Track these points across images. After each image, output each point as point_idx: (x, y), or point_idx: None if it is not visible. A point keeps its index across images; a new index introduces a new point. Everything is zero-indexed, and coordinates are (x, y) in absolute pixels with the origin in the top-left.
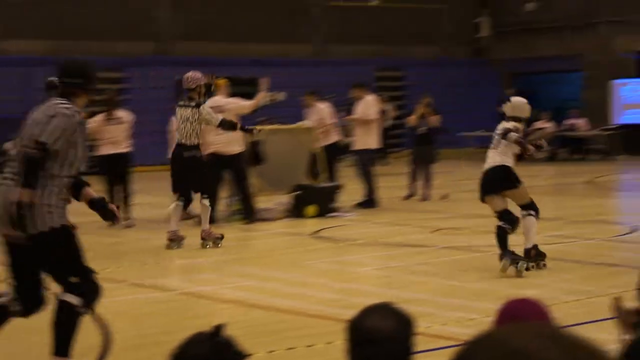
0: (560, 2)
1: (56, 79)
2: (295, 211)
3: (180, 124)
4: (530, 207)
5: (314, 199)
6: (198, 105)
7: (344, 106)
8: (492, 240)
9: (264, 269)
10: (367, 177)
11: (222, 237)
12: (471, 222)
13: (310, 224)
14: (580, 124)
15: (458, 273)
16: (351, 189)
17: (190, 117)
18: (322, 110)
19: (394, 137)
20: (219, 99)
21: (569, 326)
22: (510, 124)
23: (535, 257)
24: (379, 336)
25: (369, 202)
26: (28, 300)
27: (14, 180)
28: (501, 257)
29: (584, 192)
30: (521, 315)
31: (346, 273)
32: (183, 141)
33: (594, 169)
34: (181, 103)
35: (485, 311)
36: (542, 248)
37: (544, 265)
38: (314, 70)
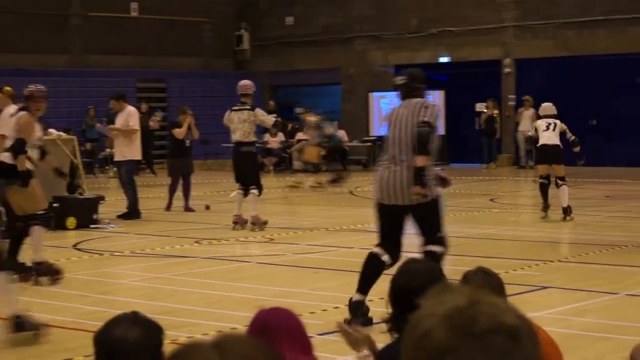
0: (318, 16)
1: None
2: (55, 223)
3: (237, 125)
4: None
5: (73, 211)
6: (253, 108)
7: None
8: (252, 249)
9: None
10: (130, 188)
11: (267, 222)
12: (232, 232)
13: (71, 236)
14: (340, 136)
15: (220, 283)
16: (114, 201)
17: (247, 119)
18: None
19: (159, 148)
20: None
21: (329, 333)
22: None
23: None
24: (125, 347)
25: (131, 214)
26: (396, 251)
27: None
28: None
29: (344, 202)
30: (270, 324)
31: (107, 285)
32: (241, 139)
33: (355, 180)
34: (236, 107)
35: (243, 320)
36: (302, 257)
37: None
38: (75, 80)
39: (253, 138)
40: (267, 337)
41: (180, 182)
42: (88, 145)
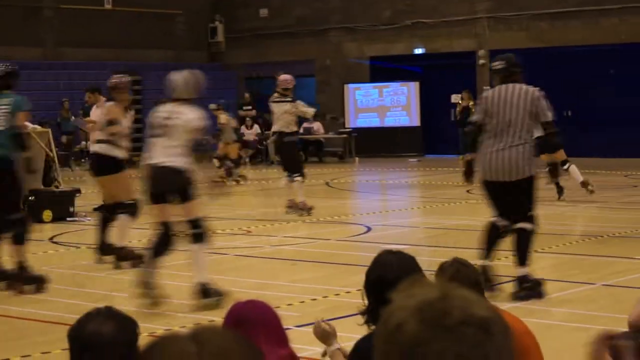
0: (293, 8)
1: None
2: (31, 216)
3: (279, 116)
4: None
5: (49, 204)
6: (294, 100)
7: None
8: (230, 241)
9: None
10: None
11: (312, 208)
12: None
13: (47, 229)
14: (316, 127)
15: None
16: (90, 194)
17: (289, 110)
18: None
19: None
20: None
21: (307, 325)
22: None
23: None
24: (100, 341)
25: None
26: (509, 217)
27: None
28: None
29: (321, 193)
30: (246, 316)
31: (85, 278)
32: (283, 129)
33: (331, 171)
34: (276, 99)
35: (223, 313)
36: (279, 249)
37: None
38: (49, 73)
39: (295, 128)
40: (242, 330)
41: None
42: (63, 139)
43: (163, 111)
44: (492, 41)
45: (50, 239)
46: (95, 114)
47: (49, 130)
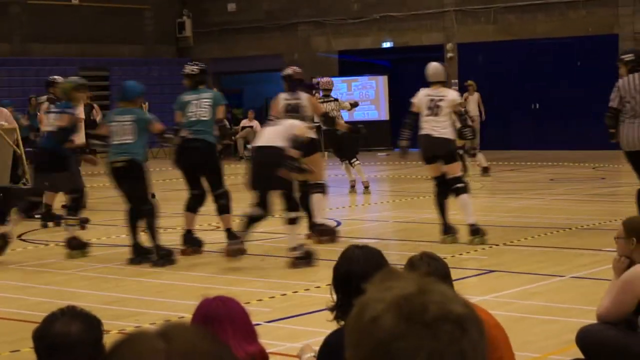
0: (261, 2)
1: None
2: None
3: (335, 114)
4: None
5: (16, 201)
6: (336, 99)
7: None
8: (201, 237)
9: None
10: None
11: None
12: (178, 220)
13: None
14: None
15: (166, 271)
16: None
17: (335, 108)
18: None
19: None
20: None
21: (277, 320)
22: None
23: None
24: (65, 341)
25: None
26: None
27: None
28: None
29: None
30: (214, 313)
31: (53, 275)
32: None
33: None
34: (323, 100)
35: (192, 309)
36: (249, 245)
37: None
38: (16, 69)
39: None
40: (211, 326)
41: None
42: (31, 135)
43: (429, 95)
44: (460, 35)
45: (18, 236)
46: None
47: (17, 127)
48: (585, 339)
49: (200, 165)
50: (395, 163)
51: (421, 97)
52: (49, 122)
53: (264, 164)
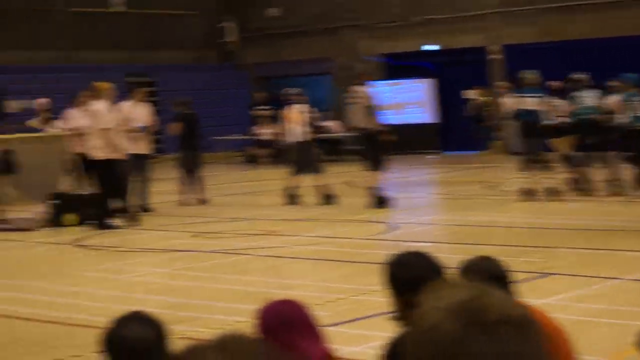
0: (304, 7)
1: None
2: (54, 220)
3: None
4: None
5: (73, 207)
6: None
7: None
8: (253, 242)
9: (25, 279)
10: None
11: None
12: (234, 225)
13: (70, 233)
14: (333, 126)
15: (222, 276)
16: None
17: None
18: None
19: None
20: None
21: (335, 325)
22: None
23: None
24: (132, 346)
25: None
26: None
27: None
28: None
29: (341, 192)
30: (283, 316)
31: (110, 280)
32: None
33: (349, 170)
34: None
35: (247, 313)
36: (302, 249)
37: None
38: (62, 76)
39: None
40: (281, 329)
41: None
42: None
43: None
44: (504, 36)
45: (75, 242)
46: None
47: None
48: None
49: None
50: (444, 166)
51: None
52: None
53: None
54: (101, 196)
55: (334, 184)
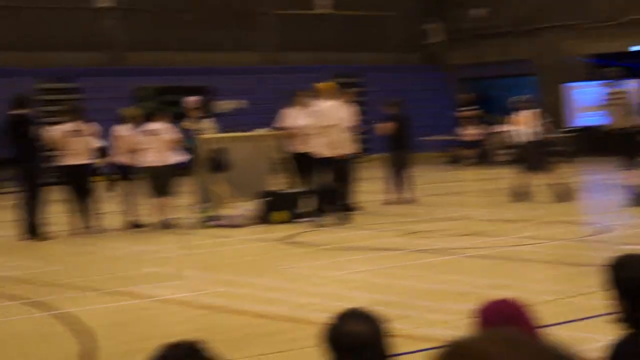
0: (508, 8)
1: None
2: (263, 217)
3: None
4: None
5: (282, 205)
6: None
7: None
8: (465, 242)
9: (238, 275)
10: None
11: None
12: (442, 225)
13: (280, 230)
14: (547, 129)
15: (432, 275)
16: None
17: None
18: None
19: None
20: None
21: (549, 325)
22: None
23: None
24: (359, 342)
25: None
26: None
27: None
28: None
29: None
30: (506, 314)
31: (321, 277)
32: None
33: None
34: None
35: (460, 312)
36: (510, 250)
37: None
38: (268, 77)
39: None
40: (513, 327)
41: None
42: None
43: None
44: None
45: (285, 239)
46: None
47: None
48: None
49: None
50: None
51: None
52: None
53: None
54: (327, 193)
55: (564, 182)
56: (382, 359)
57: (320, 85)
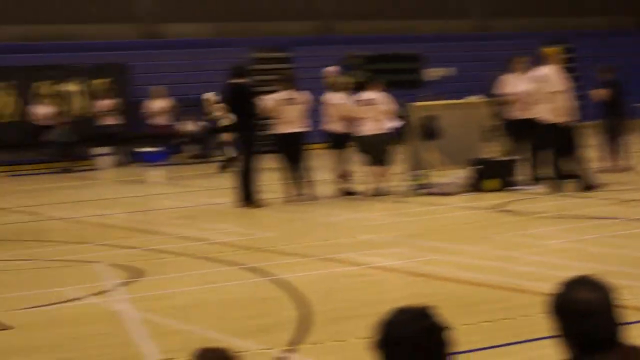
0: None
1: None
2: (475, 185)
3: None
4: None
5: (494, 173)
6: None
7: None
8: None
9: (450, 242)
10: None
11: None
12: None
13: (492, 198)
14: None
15: None
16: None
17: None
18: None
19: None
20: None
21: None
22: None
23: None
24: (589, 309)
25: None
26: None
27: None
28: None
29: None
30: None
31: (536, 246)
32: None
33: None
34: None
35: None
36: None
37: None
38: (477, 44)
39: None
40: None
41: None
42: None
43: None
44: None
45: (497, 207)
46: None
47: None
48: None
49: None
50: None
51: None
52: None
53: None
54: (543, 160)
55: None
56: (612, 328)
57: (548, 50)
